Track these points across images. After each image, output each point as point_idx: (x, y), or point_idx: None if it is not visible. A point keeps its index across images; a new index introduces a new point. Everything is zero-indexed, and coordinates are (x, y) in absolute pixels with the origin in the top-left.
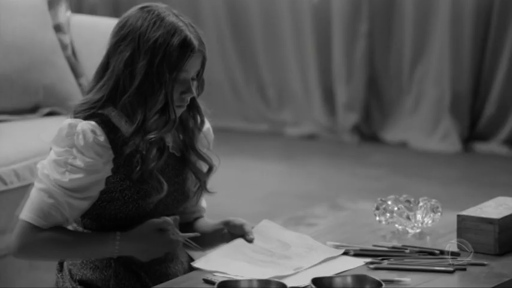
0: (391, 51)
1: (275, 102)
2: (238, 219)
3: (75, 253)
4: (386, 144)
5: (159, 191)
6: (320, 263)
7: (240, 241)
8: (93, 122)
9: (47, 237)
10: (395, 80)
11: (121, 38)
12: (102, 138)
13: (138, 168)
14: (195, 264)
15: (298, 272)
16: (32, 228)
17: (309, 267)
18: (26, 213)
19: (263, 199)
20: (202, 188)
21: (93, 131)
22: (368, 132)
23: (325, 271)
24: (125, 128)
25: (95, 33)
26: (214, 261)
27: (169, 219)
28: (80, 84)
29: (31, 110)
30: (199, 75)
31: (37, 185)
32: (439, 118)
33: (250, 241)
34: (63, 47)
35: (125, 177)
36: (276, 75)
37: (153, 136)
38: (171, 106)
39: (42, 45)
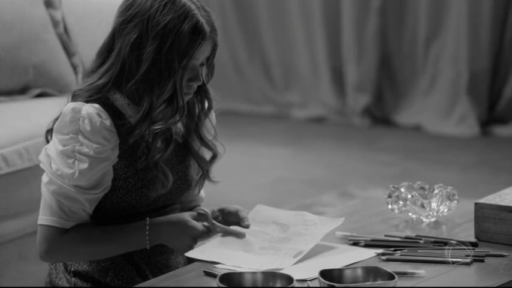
0: (404, 28)
1: (281, 83)
2: (232, 206)
3: (105, 249)
4: (399, 128)
5: (164, 185)
6: (325, 252)
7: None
8: (96, 105)
9: (74, 236)
10: (409, 59)
11: (128, 19)
12: (108, 122)
13: (143, 159)
14: (189, 254)
15: (299, 262)
16: (56, 231)
17: (310, 250)
18: (46, 217)
19: (268, 186)
20: (205, 176)
21: (98, 115)
22: (380, 115)
23: (334, 263)
24: (129, 112)
25: (88, 8)
26: (210, 251)
27: (206, 211)
28: (72, 64)
29: (20, 91)
30: (209, 61)
31: (49, 187)
32: (455, 100)
33: (246, 227)
34: (55, 23)
35: (129, 163)
36: (281, 54)
37: (159, 127)
38: (180, 96)
39: (32, 22)
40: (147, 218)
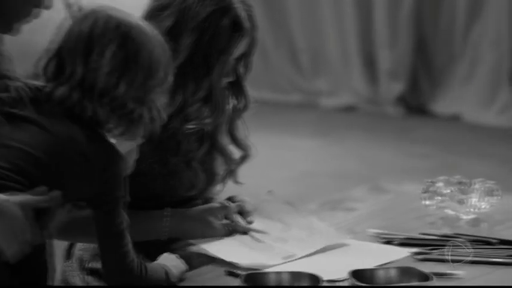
0: (441, 10)
1: (309, 69)
2: (239, 197)
3: None
4: (435, 118)
5: (194, 185)
6: (316, 251)
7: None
8: None
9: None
10: (447, 43)
11: (164, 5)
12: None
13: (173, 155)
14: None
15: (328, 261)
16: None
17: (303, 257)
18: None
19: (294, 180)
20: (230, 175)
21: None
22: (415, 104)
23: (366, 263)
24: None
25: None
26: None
27: (233, 205)
28: None
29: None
30: (246, 57)
31: None
32: (496, 87)
33: (249, 223)
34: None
35: (155, 147)
36: (310, 39)
37: (192, 127)
38: (217, 95)
39: None
40: (167, 208)
